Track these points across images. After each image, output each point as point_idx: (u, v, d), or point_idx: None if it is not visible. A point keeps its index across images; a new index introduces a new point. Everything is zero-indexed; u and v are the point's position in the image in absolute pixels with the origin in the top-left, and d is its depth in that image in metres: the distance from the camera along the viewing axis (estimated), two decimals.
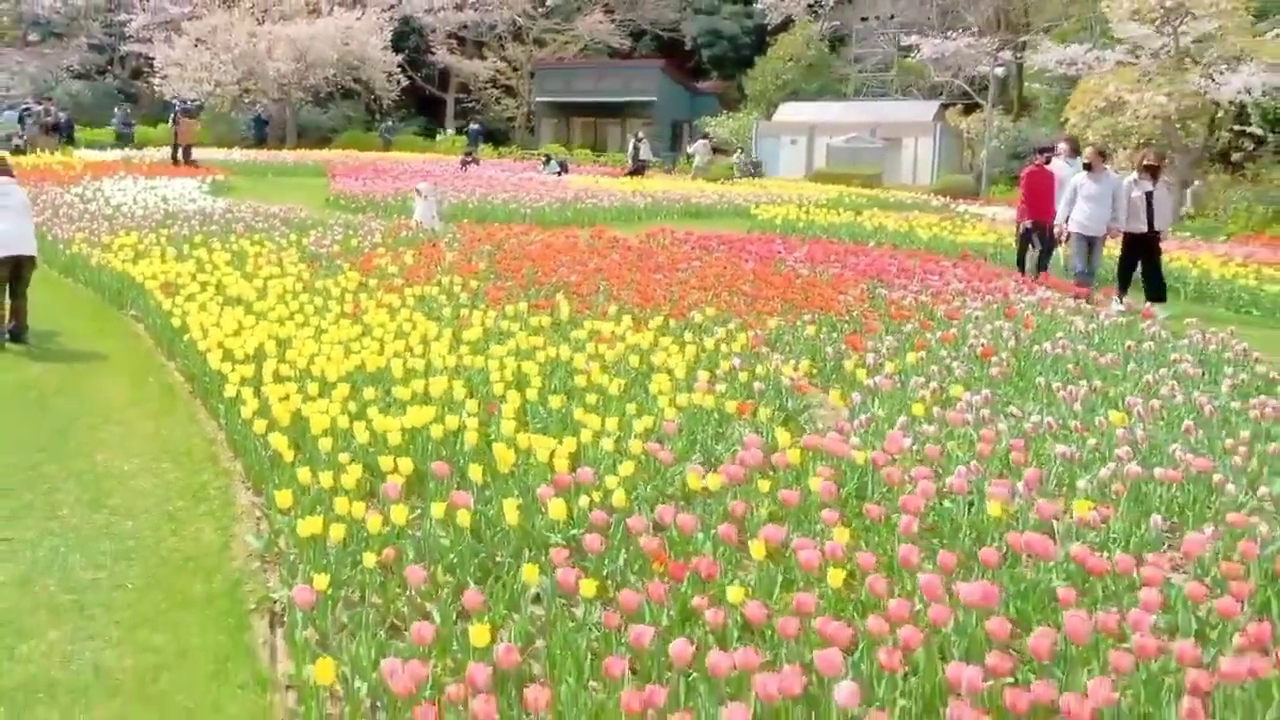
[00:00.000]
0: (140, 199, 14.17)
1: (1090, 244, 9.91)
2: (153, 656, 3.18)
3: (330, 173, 22.13)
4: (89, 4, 37.09)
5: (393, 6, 37.46)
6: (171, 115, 23.18)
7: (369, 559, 3.33)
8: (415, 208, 13.89)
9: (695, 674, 2.79)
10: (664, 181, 24.96)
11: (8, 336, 7.24)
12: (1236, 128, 22.77)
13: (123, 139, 28.07)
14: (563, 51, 43.02)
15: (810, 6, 39.42)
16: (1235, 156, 23.83)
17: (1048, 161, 11.22)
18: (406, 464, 4.05)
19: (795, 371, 6.06)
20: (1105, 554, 3.50)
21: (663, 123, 39.60)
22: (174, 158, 21.94)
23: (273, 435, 4.34)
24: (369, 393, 5.04)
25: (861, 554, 3.31)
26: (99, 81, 38.27)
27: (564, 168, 26.38)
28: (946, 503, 4.05)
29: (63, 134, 26.14)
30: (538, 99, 41.82)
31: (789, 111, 35.09)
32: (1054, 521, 3.78)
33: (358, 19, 34.83)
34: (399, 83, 35.59)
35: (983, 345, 6.67)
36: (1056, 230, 10.26)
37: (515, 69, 41.78)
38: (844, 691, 2.47)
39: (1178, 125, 21.57)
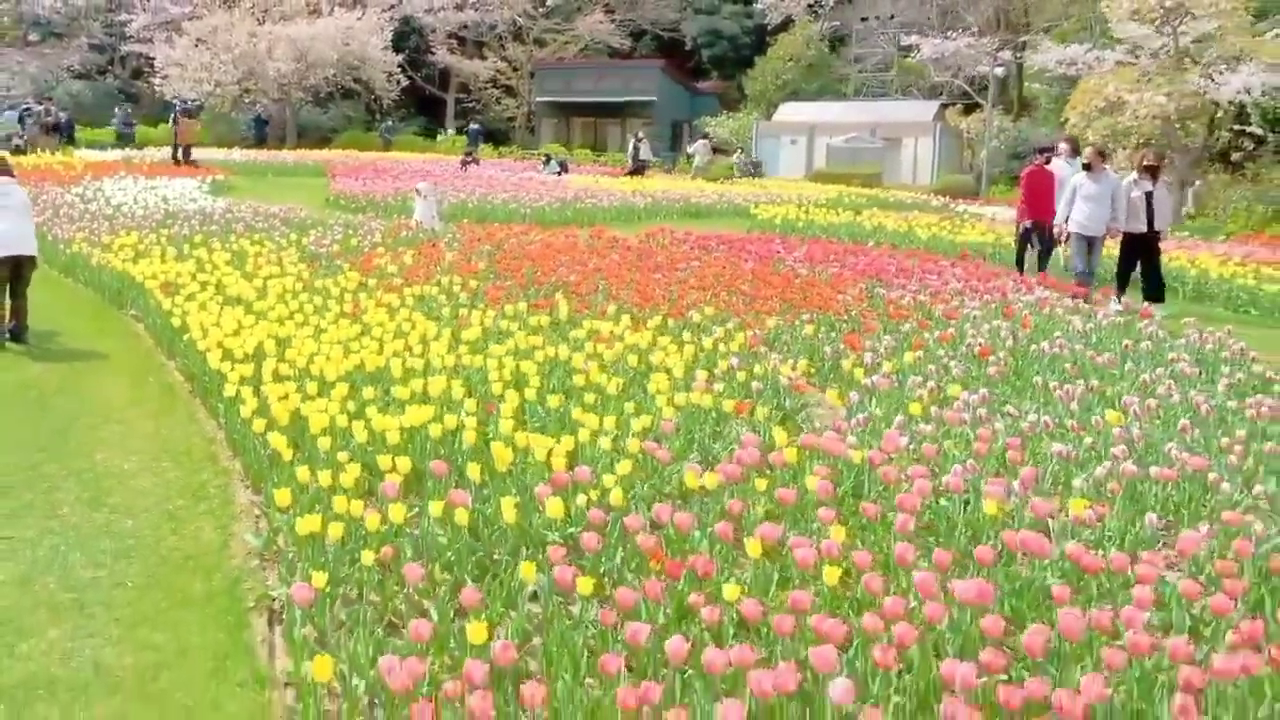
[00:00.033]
0: (140, 199, 14.19)
1: (1090, 244, 9.92)
2: (152, 654, 3.20)
3: (330, 173, 22.15)
4: (89, 4, 37.13)
5: (393, 6, 37.48)
6: (171, 115, 23.24)
7: (367, 557, 3.34)
8: (415, 207, 13.92)
9: (691, 671, 2.80)
10: (664, 181, 24.98)
11: (8, 336, 7.26)
12: (1236, 127, 22.78)
13: (124, 139, 28.12)
14: (563, 51, 43.04)
15: (810, 6, 39.45)
16: (1235, 156, 23.83)
17: (1048, 161, 11.24)
18: (405, 463, 4.07)
19: (793, 371, 6.07)
20: (1100, 552, 3.51)
21: (663, 123, 39.62)
22: (174, 157, 22.00)
23: (272, 434, 4.36)
24: (368, 392, 5.05)
25: (857, 552, 3.32)
26: (99, 81, 38.31)
27: (564, 167, 26.40)
28: (943, 501, 4.07)
29: (63, 134, 26.17)
30: (538, 99, 41.84)
31: (789, 111, 35.10)
32: (1049, 520, 3.80)
33: (358, 19, 34.86)
34: (399, 83, 35.62)
35: (980, 344, 6.69)
36: (1056, 230, 10.27)
37: (515, 69, 41.79)
38: (839, 688, 2.49)
39: (1177, 125, 21.57)
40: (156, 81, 33.45)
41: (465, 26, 40.13)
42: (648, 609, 3.13)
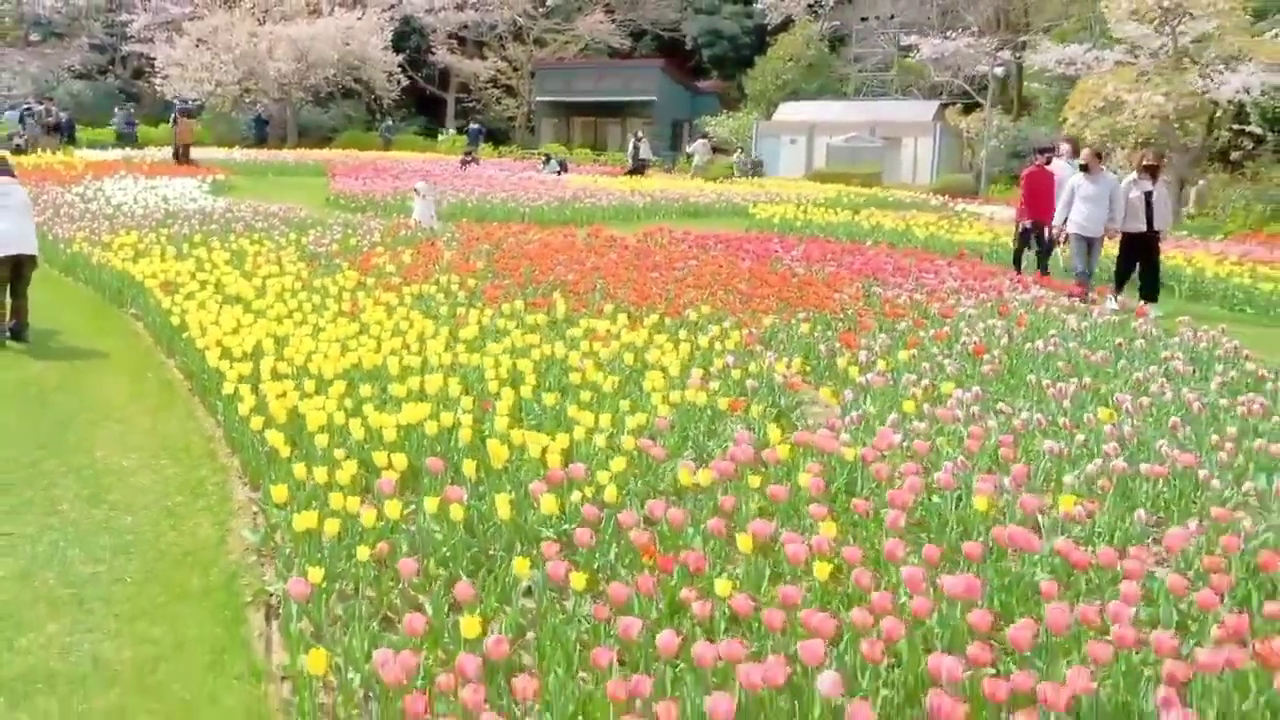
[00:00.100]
0: (141, 198, 14.23)
1: (1089, 244, 9.94)
2: (150, 648, 3.23)
3: (330, 172, 22.18)
4: (90, 4, 37.18)
5: (393, 6, 37.51)
6: (171, 115, 23.28)
7: (363, 552, 3.37)
8: (414, 207, 13.96)
9: (682, 664, 2.83)
10: (663, 181, 25.00)
11: (9, 334, 7.29)
12: (1235, 127, 22.79)
13: (125, 139, 28.14)
14: (563, 51, 43.05)
15: (810, 6, 39.45)
16: (1234, 155, 23.86)
17: (1048, 162, 11.26)
18: (401, 460, 4.10)
19: (788, 369, 6.10)
20: (1090, 548, 3.54)
21: (663, 122, 39.64)
22: (175, 157, 22.06)
23: (269, 431, 4.39)
24: (365, 390, 5.09)
25: (848, 548, 3.35)
26: (100, 81, 38.35)
27: (563, 167, 26.42)
28: (935, 498, 4.10)
29: (64, 134, 26.21)
30: (538, 99, 41.86)
31: (789, 111, 35.11)
32: (1039, 516, 3.83)
33: (358, 19, 34.89)
34: (399, 82, 35.65)
35: (975, 343, 6.72)
36: (1055, 231, 10.29)
37: (515, 69, 41.81)
38: (827, 681, 2.52)
39: (1176, 125, 21.58)
40: (157, 81, 33.52)
41: (465, 26, 40.16)
42: (640, 604, 3.16)
